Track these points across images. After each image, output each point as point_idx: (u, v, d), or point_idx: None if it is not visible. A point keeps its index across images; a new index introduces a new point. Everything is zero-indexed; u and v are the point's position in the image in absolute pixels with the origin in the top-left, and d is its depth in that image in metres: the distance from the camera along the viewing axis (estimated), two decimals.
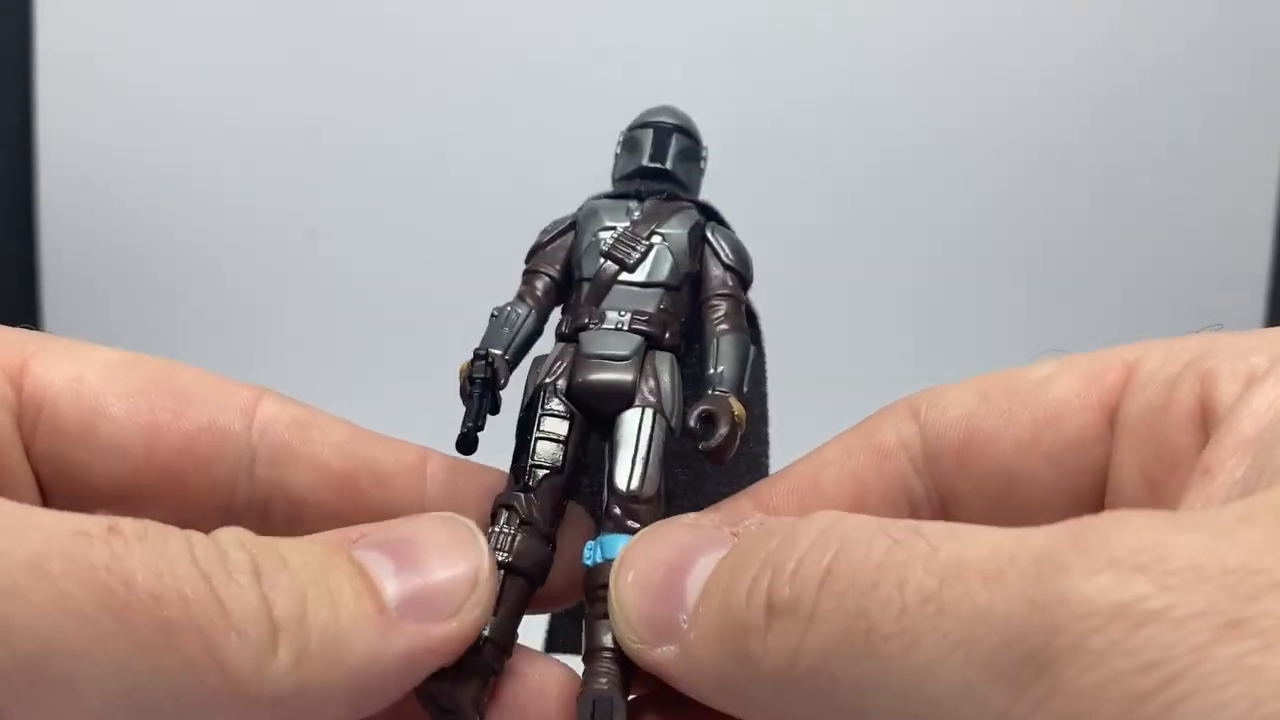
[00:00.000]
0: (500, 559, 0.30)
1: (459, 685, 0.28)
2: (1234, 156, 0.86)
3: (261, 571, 0.24)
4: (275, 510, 0.32)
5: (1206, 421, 0.26)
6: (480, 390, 0.32)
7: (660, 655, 0.27)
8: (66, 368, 0.31)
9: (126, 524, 0.23)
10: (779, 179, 0.84)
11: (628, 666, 0.29)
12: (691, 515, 0.30)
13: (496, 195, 0.84)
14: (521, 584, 0.31)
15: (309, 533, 0.31)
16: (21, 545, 0.22)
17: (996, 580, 0.20)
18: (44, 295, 0.87)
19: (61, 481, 0.31)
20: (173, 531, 0.24)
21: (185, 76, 0.86)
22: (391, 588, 0.26)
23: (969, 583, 0.21)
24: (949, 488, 0.31)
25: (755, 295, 0.36)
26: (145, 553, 0.23)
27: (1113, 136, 0.86)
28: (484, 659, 0.29)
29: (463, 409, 0.32)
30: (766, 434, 0.37)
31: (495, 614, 0.30)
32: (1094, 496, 0.30)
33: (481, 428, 0.32)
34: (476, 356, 0.32)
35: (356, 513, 0.32)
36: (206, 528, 0.31)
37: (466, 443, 0.31)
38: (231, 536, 0.25)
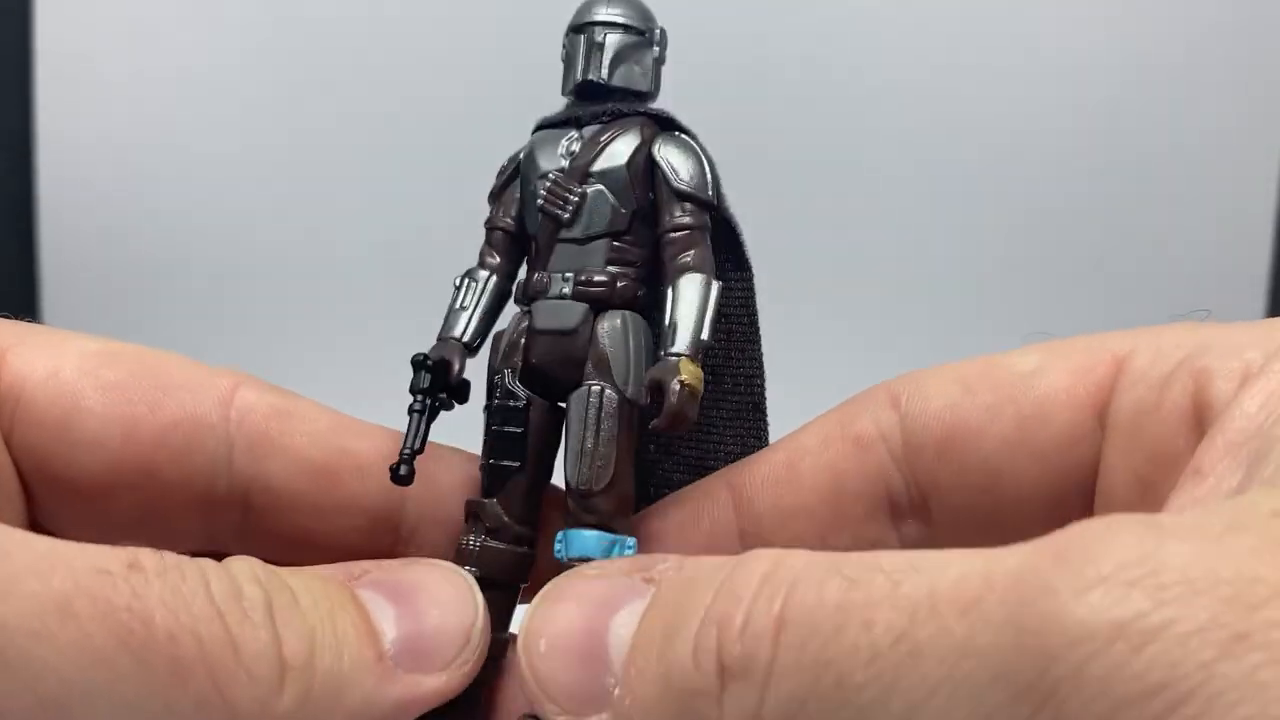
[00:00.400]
0: (469, 573, 0.29)
1: (446, 716, 0.28)
2: (1234, 156, 0.86)
3: (274, 609, 0.24)
4: (256, 501, 0.32)
5: (1201, 421, 0.26)
6: (420, 405, 0.30)
7: None
8: (44, 361, 0.31)
9: (146, 558, 0.23)
10: (778, 158, 0.83)
11: None
12: (594, 564, 0.29)
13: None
14: (497, 595, 0.30)
15: (289, 522, 0.32)
16: (49, 586, 0.22)
17: (974, 609, 0.19)
18: (44, 294, 0.87)
19: (41, 473, 0.31)
20: (189, 565, 0.24)
21: (185, 76, 0.86)
22: (390, 634, 0.26)
23: (943, 616, 0.19)
24: (930, 480, 0.30)
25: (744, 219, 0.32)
26: (163, 590, 0.23)
27: (1113, 135, 0.85)
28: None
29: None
30: (760, 364, 0.34)
31: None
32: (1081, 493, 0.29)
33: (420, 451, 0.30)
34: (415, 365, 0.30)
35: (336, 503, 0.32)
36: (187, 518, 0.31)
37: (398, 475, 0.29)
38: (245, 569, 0.25)
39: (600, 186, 0.30)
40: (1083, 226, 0.86)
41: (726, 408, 0.33)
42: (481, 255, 0.33)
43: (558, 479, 0.32)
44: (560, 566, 0.29)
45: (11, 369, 0.30)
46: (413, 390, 0.30)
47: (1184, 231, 0.86)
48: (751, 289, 0.33)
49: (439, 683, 0.27)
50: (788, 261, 0.78)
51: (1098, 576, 0.18)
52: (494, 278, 0.32)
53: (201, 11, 0.86)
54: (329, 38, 0.86)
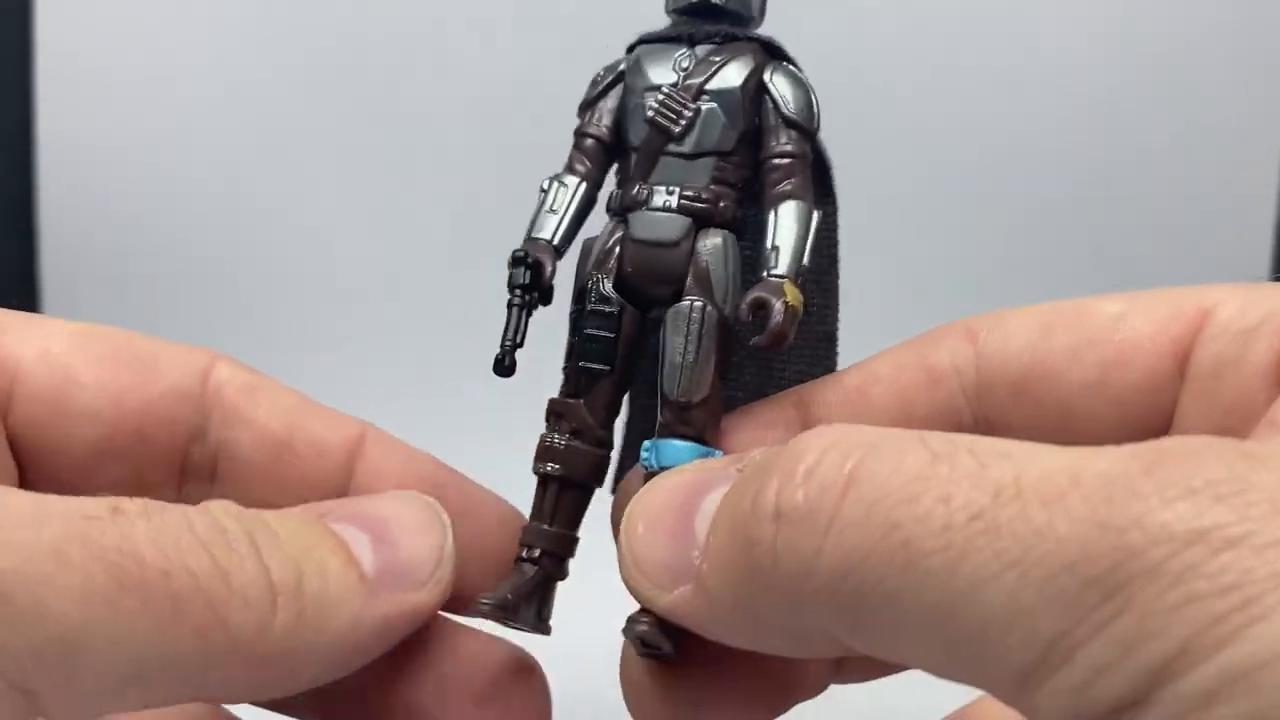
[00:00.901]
0: (550, 470, 0.31)
1: (517, 610, 0.29)
2: (1235, 154, 0.86)
3: (257, 542, 0.25)
4: (222, 470, 0.33)
5: None
6: (520, 300, 0.30)
7: (676, 597, 0.26)
8: (33, 341, 0.32)
9: (127, 503, 0.24)
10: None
11: None
12: (698, 460, 0.29)
13: (504, 194, 0.84)
14: (575, 493, 0.31)
15: (249, 494, 0.33)
16: (41, 534, 0.23)
17: (1058, 502, 0.20)
18: (44, 292, 0.87)
19: (36, 450, 0.32)
20: (170, 507, 0.25)
21: (185, 75, 0.86)
22: (367, 559, 0.28)
23: (1026, 502, 0.20)
24: (1001, 419, 0.30)
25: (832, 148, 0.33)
26: (149, 530, 0.24)
27: (1112, 133, 0.86)
28: (541, 571, 0.30)
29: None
30: (836, 296, 0.35)
31: (551, 525, 0.31)
32: None
33: (520, 345, 0.30)
34: (516, 260, 0.31)
35: (294, 478, 0.33)
36: (165, 489, 0.33)
37: (502, 367, 0.30)
38: (221, 509, 0.26)
39: (714, 105, 0.31)
40: (1083, 224, 0.87)
41: (799, 336, 0.33)
42: (571, 161, 0.33)
43: None
44: (644, 477, 0.30)
45: (4, 349, 0.31)
46: (512, 286, 0.30)
47: (1185, 232, 0.87)
48: (835, 221, 0.33)
49: (419, 599, 0.28)
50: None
51: (1187, 489, 0.19)
52: (584, 184, 0.32)
53: (202, 9, 0.86)
54: (330, 34, 0.86)
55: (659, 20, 0.34)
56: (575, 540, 0.31)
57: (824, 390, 0.32)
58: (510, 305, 0.30)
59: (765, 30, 0.33)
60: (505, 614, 0.29)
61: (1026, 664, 0.20)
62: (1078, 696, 0.19)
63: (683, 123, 0.31)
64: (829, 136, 0.32)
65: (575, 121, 0.34)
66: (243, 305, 0.88)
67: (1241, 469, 0.19)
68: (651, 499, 0.28)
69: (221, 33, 0.86)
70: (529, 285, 0.30)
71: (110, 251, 0.87)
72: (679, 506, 0.27)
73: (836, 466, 0.22)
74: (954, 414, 0.30)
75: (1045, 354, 0.29)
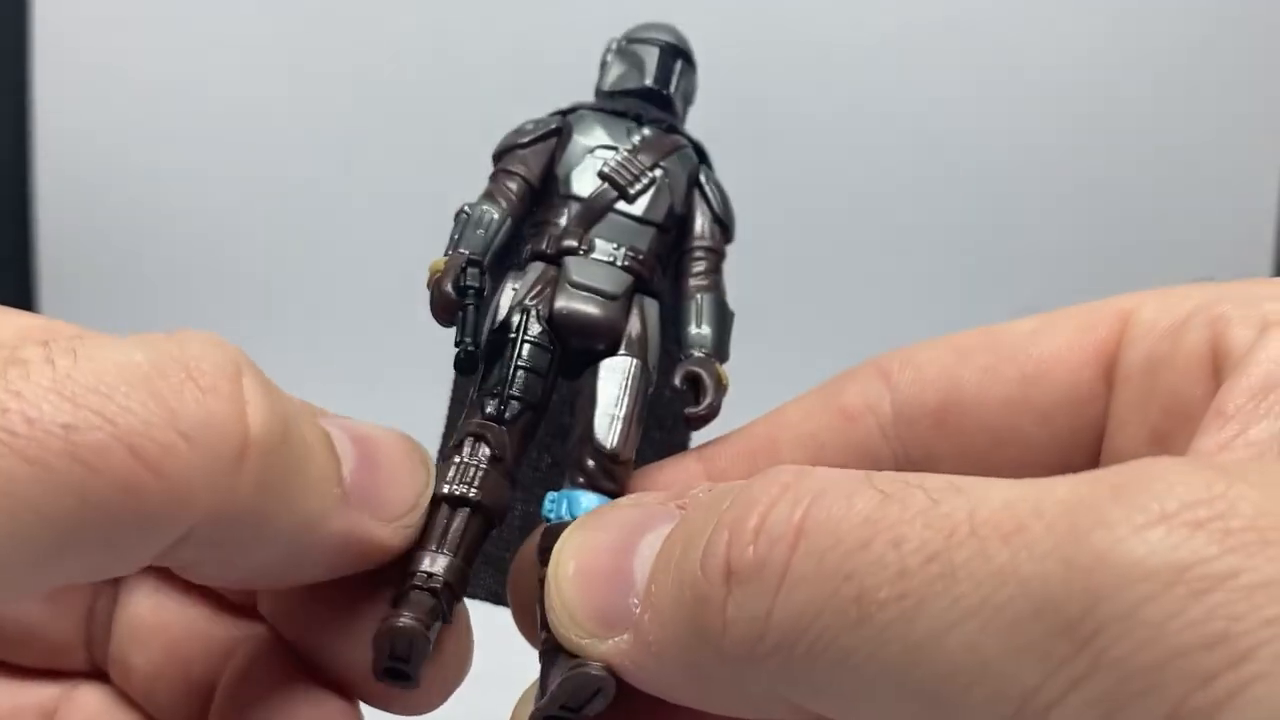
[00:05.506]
0: (463, 493, 0.28)
1: (415, 635, 0.26)
2: (1235, 156, 0.86)
3: (248, 378, 0.22)
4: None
5: (1219, 369, 0.24)
6: (475, 300, 0.29)
7: (612, 647, 0.24)
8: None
9: (32, 351, 0.21)
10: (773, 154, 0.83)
11: None
12: (633, 495, 0.28)
13: None
14: (480, 524, 0.28)
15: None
16: None
17: (1018, 536, 0.18)
18: (41, 289, 0.87)
19: None
20: (115, 343, 0.21)
21: (183, 68, 0.86)
22: (348, 471, 0.25)
23: (984, 540, 0.18)
24: (925, 452, 0.28)
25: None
26: (55, 377, 0.20)
27: (1112, 135, 0.86)
28: (439, 605, 0.27)
29: (439, 324, 0.30)
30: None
31: (456, 555, 0.27)
32: (1088, 455, 0.27)
33: (480, 344, 0.29)
34: (470, 262, 0.30)
35: None
36: None
37: (471, 361, 0.29)
38: (207, 341, 0.23)
39: (667, 181, 0.32)
40: (1082, 228, 0.87)
41: (655, 439, 0.33)
42: (494, 194, 0.32)
43: None
44: (544, 533, 0.28)
45: None
46: (465, 288, 0.29)
47: (1185, 233, 0.87)
48: None
49: (385, 533, 0.26)
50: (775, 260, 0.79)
51: (1160, 514, 0.17)
52: (509, 219, 0.32)
53: (199, 5, 0.85)
54: (327, 32, 0.85)
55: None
56: (468, 581, 0.28)
57: (729, 443, 0.30)
58: (465, 307, 0.29)
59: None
60: (400, 644, 0.26)
61: None
62: None
63: (640, 185, 0.32)
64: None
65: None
66: (240, 300, 0.88)
67: (1220, 487, 0.17)
68: (582, 538, 0.25)
69: (217, 29, 0.86)
70: (480, 291, 0.30)
71: (107, 246, 0.87)
72: (615, 546, 0.25)
73: (785, 517, 0.20)
74: (871, 453, 0.29)
75: (961, 377, 0.28)
